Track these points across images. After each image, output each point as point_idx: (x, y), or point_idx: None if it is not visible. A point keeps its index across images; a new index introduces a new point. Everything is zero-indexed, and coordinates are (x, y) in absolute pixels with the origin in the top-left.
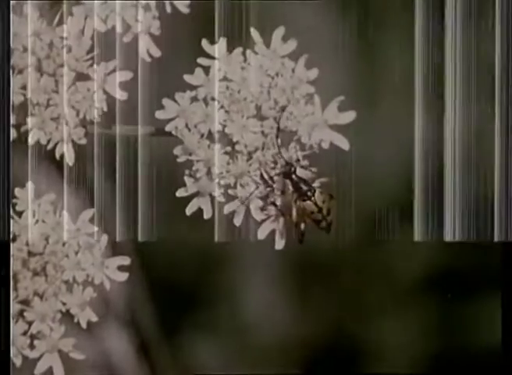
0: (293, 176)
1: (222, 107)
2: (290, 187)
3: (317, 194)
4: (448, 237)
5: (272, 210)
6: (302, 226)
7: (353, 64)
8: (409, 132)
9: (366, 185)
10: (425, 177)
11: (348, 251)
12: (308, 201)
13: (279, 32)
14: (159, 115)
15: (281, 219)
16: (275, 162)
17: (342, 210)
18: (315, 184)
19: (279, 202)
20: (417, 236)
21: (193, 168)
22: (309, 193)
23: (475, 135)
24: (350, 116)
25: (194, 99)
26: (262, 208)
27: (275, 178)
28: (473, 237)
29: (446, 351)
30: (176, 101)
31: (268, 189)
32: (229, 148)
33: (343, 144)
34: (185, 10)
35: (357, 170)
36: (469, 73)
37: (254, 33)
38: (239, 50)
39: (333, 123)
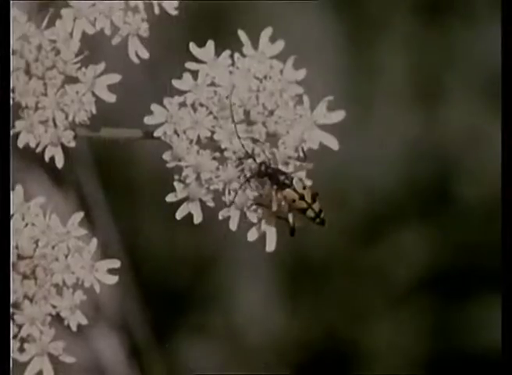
0: (268, 170)
1: (210, 113)
2: (268, 182)
3: (295, 180)
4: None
5: (260, 212)
6: (290, 217)
7: (342, 63)
8: (399, 131)
9: (356, 184)
10: (416, 176)
11: (341, 252)
12: (287, 189)
13: (267, 33)
14: (148, 120)
15: (271, 221)
16: (266, 166)
17: (331, 209)
18: (299, 174)
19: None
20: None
21: (183, 174)
22: (286, 181)
23: (469, 134)
24: (339, 116)
25: (183, 105)
26: (255, 210)
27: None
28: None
29: (442, 354)
30: (164, 106)
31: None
32: (217, 154)
33: (333, 144)
34: (173, 12)
35: (347, 170)
36: (463, 73)
37: (242, 34)
38: (226, 53)
39: (322, 122)
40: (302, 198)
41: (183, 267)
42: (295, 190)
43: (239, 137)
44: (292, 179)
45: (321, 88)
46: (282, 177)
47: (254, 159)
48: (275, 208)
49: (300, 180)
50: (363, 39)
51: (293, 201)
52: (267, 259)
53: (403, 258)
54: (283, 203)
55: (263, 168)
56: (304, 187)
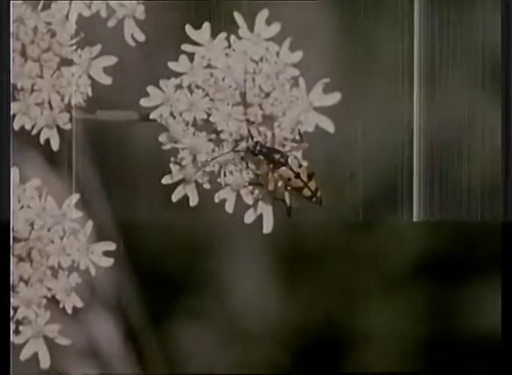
0: (263, 149)
1: (206, 95)
2: (263, 161)
3: (290, 159)
4: (436, 218)
5: (257, 193)
6: (286, 196)
7: (339, 45)
8: (396, 114)
9: (352, 168)
10: (413, 160)
11: (337, 236)
12: (283, 167)
13: (263, 15)
14: (144, 102)
15: (268, 201)
16: (261, 145)
17: (327, 193)
18: (295, 154)
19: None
20: (403, 219)
21: (179, 156)
22: (282, 159)
23: (465, 119)
24: (335, 98)
25: (179, 87)
26: (251, 192)
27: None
28: (463, 218)
29: (440, 338)
30: (160, 88)
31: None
32: (213, 136)
33: (328, 126)
34: None
35: (343, 152)
36: (460, 57)
37: (238, 17)
38: (223, 35)
39: (318, 105)
40: (298, 176)
41: (179, 250)
42: (291, 168)
43: (248, 122)
44: (287, 157)
45: (317, 70)
46: (277, 156)
47: (252, 138)
48: (271, 187)
49: (296, 158)
50: (360, 21)
51: (289, 179)
52: (264, 242)
53: (401, 242)
54: (279, 184)
55: (258, 147)
56: (300, 166)
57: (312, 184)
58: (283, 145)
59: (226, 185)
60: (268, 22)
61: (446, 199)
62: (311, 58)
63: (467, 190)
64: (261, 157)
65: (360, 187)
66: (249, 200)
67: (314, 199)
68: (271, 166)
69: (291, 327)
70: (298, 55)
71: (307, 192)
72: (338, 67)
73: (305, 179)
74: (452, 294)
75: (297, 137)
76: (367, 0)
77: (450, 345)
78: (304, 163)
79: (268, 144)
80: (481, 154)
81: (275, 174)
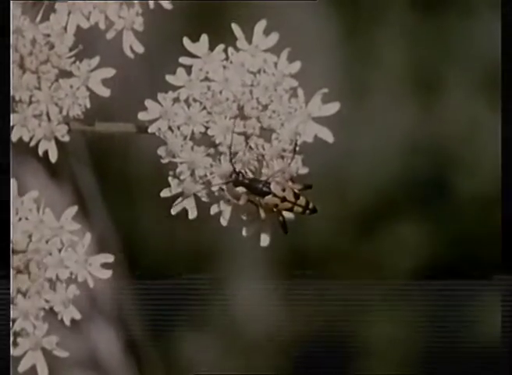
0: (244, 181)
1: (204, 108)
2: (245, 191)
3: (273, 185)
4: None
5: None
6: (280, 217)
7: (337, 55)
8: (396, 123)
9: (350, 178)
10: (413, 168)
11: (338, 244)
12: (267, 196)
13: (261, 25)
14: (142, 116)
15: (265, 216)
16: (260, 162)
17: (326, 203)
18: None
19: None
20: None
21: (177, 170)
22: (265, 188)
23: (467, 127)
24: (334, 107)
25: (176, 100)
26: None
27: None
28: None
29: (439, 347)
30: (158, 101)
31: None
32: (212, 150)
33: (328, 136)
34: (168, 6)
35: (343, 162)
36: (461, 64)
37: (236, 28)
38: (220, 47)
39: (317, 115)
40: (284, 199)
41: (180, 261)
42: (275, 195)
43: (246, 136)
44: (269, 184)
45: (316, 81)
46: (259, 185)
47: (237, 173)
48: (263, 215)
49: (278, 183)
50: (358, 30)
51: (276, 205)
52: (263, 252)
53: (400, 251)
54: (271, 208)
55: (240, 178)
56: (284, 189)
57: (301, 201)
58: (282, 157)
59: (223, 199)
60: (266, 32)
61: (445, 208)
62: (309, 68)
63: (466, 199)
64: (243, 188)
65: (360, 195)
66: (245, 215)
67: (307, 212)
68: (255, 196)
69: (292, 336)
70: (296, 66)
71: (298, 209)
72: (337, 77)
73: (292, 199)
74: (453, 302)
75: (297, 149)
76: (366, 10)
77: (450, 354)
78: (305, 170)
79: (249, 173)
80: (481, 162)
81: (262, 203)
